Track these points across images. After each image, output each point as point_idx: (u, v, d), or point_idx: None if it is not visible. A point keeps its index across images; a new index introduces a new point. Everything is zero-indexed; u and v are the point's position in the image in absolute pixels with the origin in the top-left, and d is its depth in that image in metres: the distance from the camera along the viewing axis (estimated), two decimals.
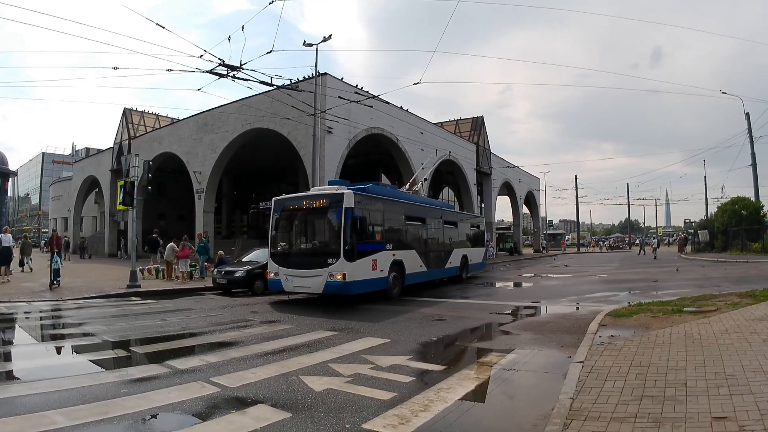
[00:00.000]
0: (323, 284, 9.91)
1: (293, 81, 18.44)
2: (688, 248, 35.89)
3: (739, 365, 4.33)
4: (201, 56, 11.05)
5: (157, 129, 31.52)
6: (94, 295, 12.02)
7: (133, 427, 3.55)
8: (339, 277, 9.76)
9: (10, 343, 7.03)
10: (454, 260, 15.72)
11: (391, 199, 12.68)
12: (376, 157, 29.51)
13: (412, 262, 12.60)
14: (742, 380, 3.89)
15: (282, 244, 11.25)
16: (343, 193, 10.12)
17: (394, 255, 11.60)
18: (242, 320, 8.61)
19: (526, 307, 10.27)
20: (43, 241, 41.96)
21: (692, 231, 42.90)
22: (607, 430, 3.13)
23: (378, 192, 12.15)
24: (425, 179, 17.49)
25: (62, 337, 7.60)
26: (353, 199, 10.08)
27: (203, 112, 25.88)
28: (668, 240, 78.10)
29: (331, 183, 11.35)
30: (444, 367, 5.25)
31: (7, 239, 15.59)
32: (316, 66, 18.45)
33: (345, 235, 9.82)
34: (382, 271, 11.00)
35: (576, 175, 69.73)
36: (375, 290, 10.82)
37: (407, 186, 17.28)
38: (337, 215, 10.00)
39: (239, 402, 4.06)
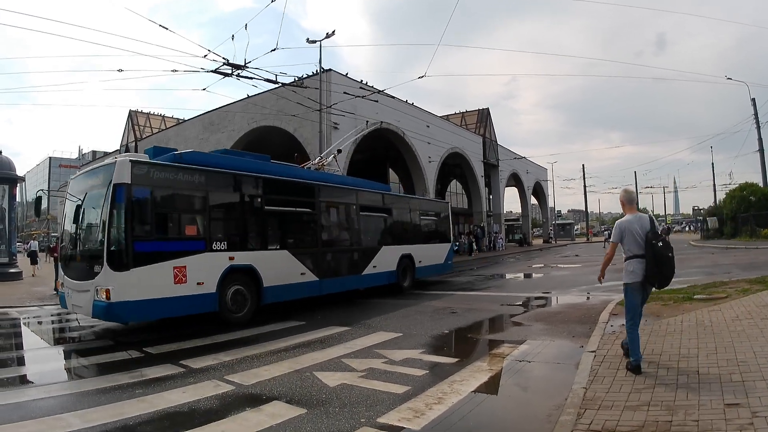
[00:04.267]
0: (91, 304, 6.58)
1: (298, 78, 18.45)
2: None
3: (750, 352, 4.32)
4: (205, 56, 11.13)
5: (163, 130, 31.74)
6: None
7: (149, 428, 3.59)
8: (103, 295, 6.37)
9: (24, 347, 7.13)
10: (382, 263, 11.35)
11: (228, 171, 8.22)
12: (383, 151, 29.56)
13: (282, 268, 8.77)
14: (754, 366, 3.88)
15: (65, 241, 8.03)
16: (113, 164, 6.77)
17: (232, 259, 7.79)
18: (254, 318, 8.66)
19: (536, 298, 10.27)
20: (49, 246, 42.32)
21: (701, 218, 42.59)
22: (620, 418, 3.15)
23: (197, 160, 7.89)
24: (338, 150, 13.62)
25: (75, 339, 7.68)
26: (130, 173, 6.60)
27: (209, 111, 25.96)
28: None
29: (146, 152, 7.84)
30: (456, 360, 5.27)
31: (35, 244, 20.74)
32: (320, 62, 18.77)
33: (111, 229, 6.45)
34: (200, 284, 7.25)
35: (583, 165, 68.84)
36: (190, 314, 7.32)
37: (317, 160, 13.17)
38: (106, 198, 6.64)
39: (254, 399, 4.10)
